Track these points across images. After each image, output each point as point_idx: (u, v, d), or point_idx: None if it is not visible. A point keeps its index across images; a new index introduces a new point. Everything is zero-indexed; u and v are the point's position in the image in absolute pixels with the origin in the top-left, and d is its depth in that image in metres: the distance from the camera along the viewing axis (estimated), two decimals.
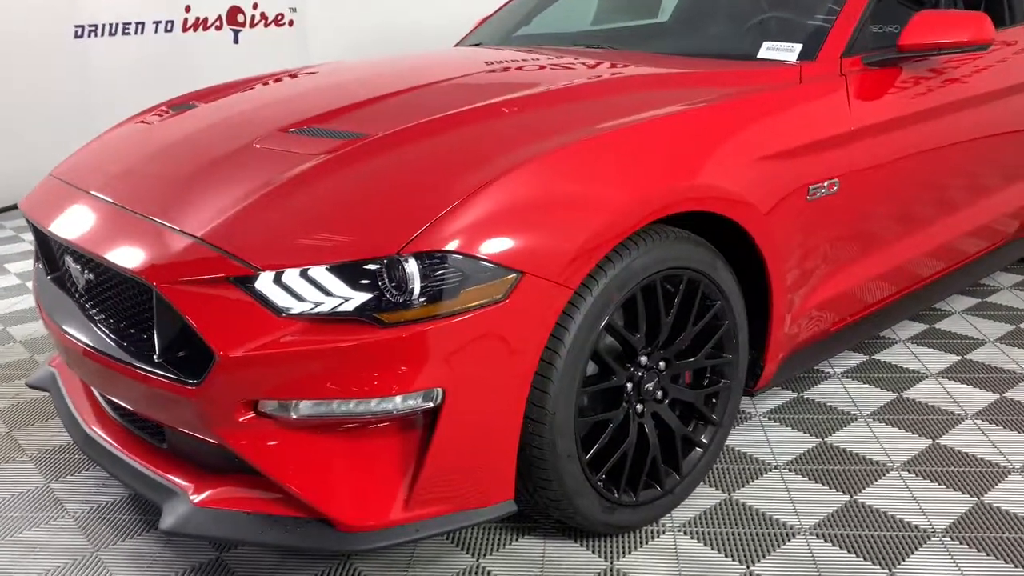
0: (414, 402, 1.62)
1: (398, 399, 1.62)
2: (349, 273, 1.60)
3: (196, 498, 1.77)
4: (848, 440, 2.43)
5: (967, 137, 2.68)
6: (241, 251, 1.65)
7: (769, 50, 2.44)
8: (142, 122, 2.46)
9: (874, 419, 2.54)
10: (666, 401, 2.05)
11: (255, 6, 4.47)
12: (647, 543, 2.00)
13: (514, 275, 1.64)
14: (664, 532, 2.04)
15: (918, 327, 3.20)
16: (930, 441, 2.40)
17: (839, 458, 2.34)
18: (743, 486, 2.22)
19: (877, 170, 2.39)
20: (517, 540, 2.03)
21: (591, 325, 1.78)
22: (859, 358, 2.95)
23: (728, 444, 2.42)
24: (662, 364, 2.03)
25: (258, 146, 1.98)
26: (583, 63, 2.53)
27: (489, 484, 1.75)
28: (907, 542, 1.97)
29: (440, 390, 1.62)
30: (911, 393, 2.69)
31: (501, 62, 2.63)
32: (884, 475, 2.24)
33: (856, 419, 2.54)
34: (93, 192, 2.04)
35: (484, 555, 1.98)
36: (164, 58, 4.15)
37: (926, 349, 3.00)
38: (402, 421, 1.66)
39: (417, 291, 1.59)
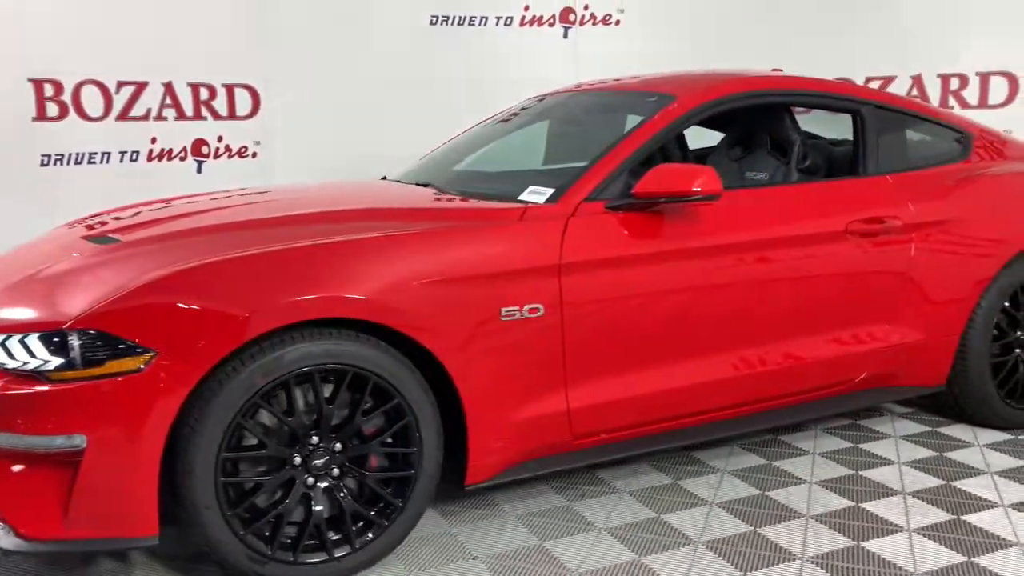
0: (64, 443, 2.15)
1: (56, 440, 2.16)
2: (39, 340, 2.19)
3: None
4: (567, 549, 2.62)
5: (719, 281, 2.85)
6: None
7: (529, 193, 2.82)
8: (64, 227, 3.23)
9: (608, 532, 2.71)
10: (344, 478, 2.42)
11: (220, 139, 5.04)
12: None
13: (150, 353, 2.15)
14: None
15: (754, 460, 3.26)
16: (634, 555, 2.56)
17: (539, 559, 2.55)
18: (431, 568, 2.51)
19: (601, 300, 2.66)
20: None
21: (232, 401, 2.23)
22: (664, 480, 3.09)
23: (457, 535, 2.70)
24: (338, 445, 2.42)
25: (62, 248, 2.66)
26: (380, 194, 3.05)
27: (134, 519, 2.22)
28: None
29: (83, 436, 2.15)
30: (670, 518, 2.82)
31: (322, 190, 3.20)
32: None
33: (593, 529, 2.73)
34: None
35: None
36: (128, 186, 4.59)
37: (739, 481, 3.08)
38: (60, 458, 2.19)
39: (76, 357, 2.15)
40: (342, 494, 2.43)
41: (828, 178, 3.37)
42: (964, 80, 4.86)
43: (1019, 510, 2.85)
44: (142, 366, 2.15)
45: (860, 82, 4.89)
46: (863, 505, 2.89)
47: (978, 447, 3.40)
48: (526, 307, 2.56)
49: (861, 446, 3.42)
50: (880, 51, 4.86)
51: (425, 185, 3.25)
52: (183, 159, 5.02)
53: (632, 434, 2.88)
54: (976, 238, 3.33)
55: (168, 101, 4.97)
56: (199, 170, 5.04)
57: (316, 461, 2.39)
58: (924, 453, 3.34)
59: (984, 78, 4.81)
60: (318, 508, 2.39)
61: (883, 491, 3.00)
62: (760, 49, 4.79)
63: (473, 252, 2.54)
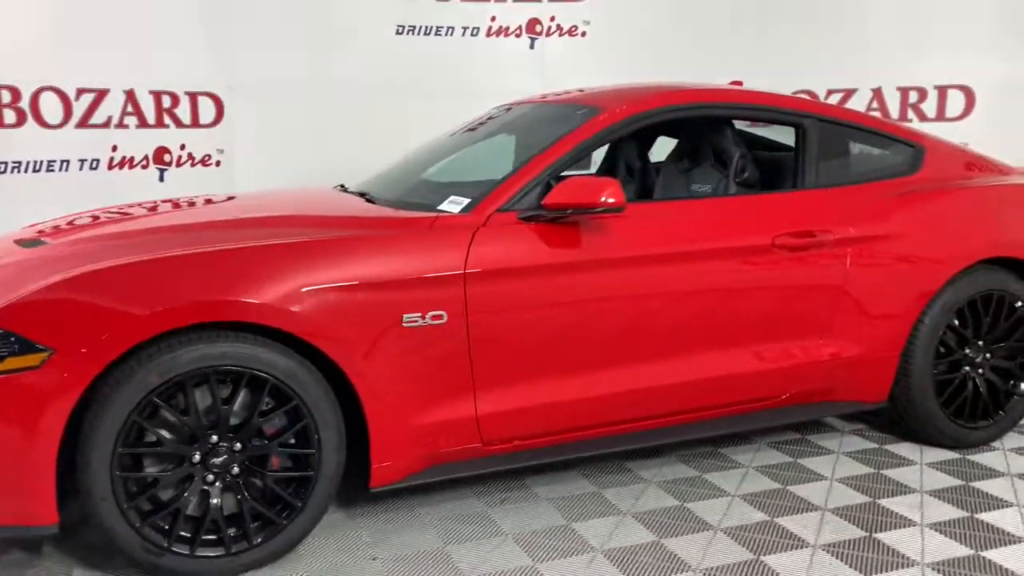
0: None
1: None
2: None
3: None
4: (467, 552, 2.67)
5: (631, 293, 2.87)
6: None
7: (448, 203, 2.88)
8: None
9: (513, 538, 2.75)
10: (244, 477, 2.51)
11: (183, 147, 5.00)
12: None
13: (47, 351, 2.27)
14: None
15: (686, 472, 3.26)
16: (530, 561, 2.59)
17: (435, 561, 2.60)
18: (328, 567, 2.58)
19: (509, 309, 2.70)
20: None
21: (128, 399, 2.33)
22: (588, 488, 3.11)
23: (363, 535, 2.77)
24: (238, 444, 2.50)
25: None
26: (311, 203, 3.13)
27: (33, 509, 2.33)
28: None
29: None
30: (579, 526, 2.84)
31: (263, 197, 3.30)
32: None
33: (500, 534, 2.77)
34: None
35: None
36: (89, 195, 4.44)
37: (663, 492, 3.09)
38: None
39: None
40: (241, 493, 2.51)
41: (766, 191, 3.35)
42: (923, 93, 4.86)
43: (936, 529, 2.81)
44: (39, 363, 2.26)
45: (822, 94, 4.88)
46: (778, 520, 2.88)
47: (920, 466, 3.34)
48: (429, 315, 2.62)
49: (800, 461, 3.39)
50: (842, 64, 4.87)
51: (362, 195, 3.32)
52: (145, 167, 5.00)
53: (547, 441, 2.91)
54: (918, 253, 3.28)
55: (130, 109, 4.95)
56: (161, 178, 5.03)
57: (215, 459, 2.48)
58: (862, 470, 3.30)
59: (942, 91, 4.84)
60: (215, 504, 2.48)
61: (804, 506, 2.98)
62: (725, 61, 4.78)
63: (375, 260, 2.60)
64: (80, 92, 4.85)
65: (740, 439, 3.60)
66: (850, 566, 2.57)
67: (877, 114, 4.95)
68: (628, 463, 3.35)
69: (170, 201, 3.48)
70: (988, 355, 3.49)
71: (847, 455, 3.46)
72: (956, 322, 3.40)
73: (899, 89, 5.03)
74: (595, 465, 3.32)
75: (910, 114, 5.00)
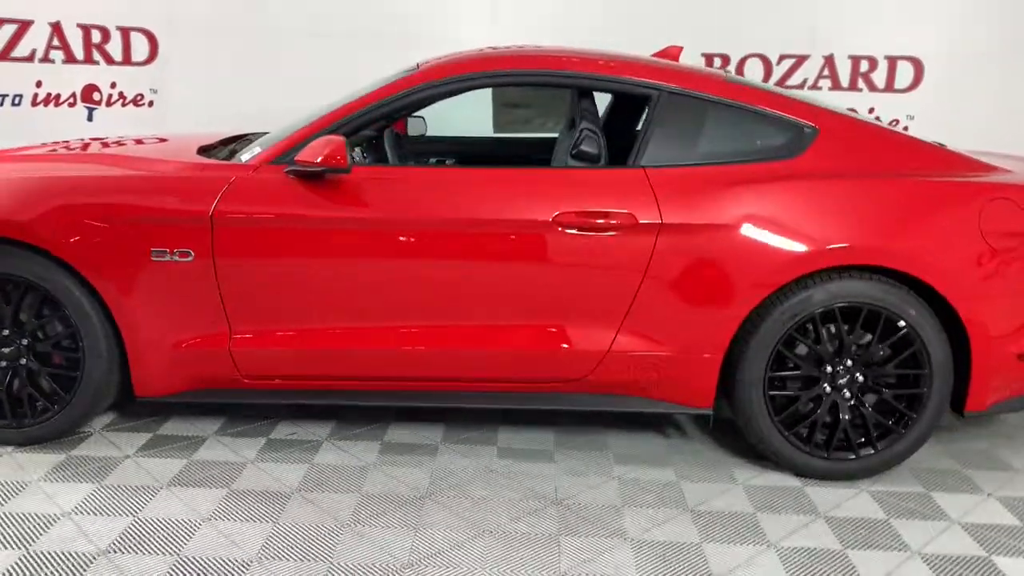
0: None
1: None
2: None
3: None
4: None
5: (377, 255, 2.92)
6: None
7: (245, 152, 3.15)
8: None
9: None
10: (28, 367, 3.07)
11: (113, 85, 4.67)
12: None
13: None
14: None
15: (475, 460, 3.27)
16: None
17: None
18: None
19: (256, 256, 2.91)
20: None
21: None
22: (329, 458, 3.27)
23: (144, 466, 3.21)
24: (26, 341, 3.05)
25: None
26: (162, 146, 3.57)
27: None
28: None
29: None
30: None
31: (148, 140, 3.77)
32: None
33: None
34: None
35: None
36: (12, 132, 4.25)
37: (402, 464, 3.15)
38: None
39: None
40: (24, 381, 3.06)
41: (602, 167, 3.12)
42: (873, 63, 4.17)
43: (633, 548, 2.58)
44: None
45: (774, 60, 4.23)
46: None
47: (740, 487, 3.00)
48: (176, 251, 2.93)
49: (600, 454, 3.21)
50: (794, 29, 4.22)
51: (230, 142, 3.63)
52: (72, 105, 4.71)
53: (313, 385, 3.10)
54: (748, 250, 2.87)
55: (56, 43, 4.63)
56: (90, 118, 4.74)
57: (5, 349, 3.05)
58: (658, 478, 3.05)
59: (892, 62, 4.32)
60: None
61: (538, 499, 2.87)
62: (674, 21, 4.27)
63: (132, 197, 2.95)
64: (1, 22, 4.60)
65: (584, 426, 3.46)
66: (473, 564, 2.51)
67: (828, 83, 4.33)
68: (452, 429, 3.41)
69: (98, 139, 3.98)
70: (861, 378, 2.99)
71: (680, 461, 3.19)
72: (812, 335, 2.97)
73: (850, 58, 4.51)
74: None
75: (860, 84, 4.56)
